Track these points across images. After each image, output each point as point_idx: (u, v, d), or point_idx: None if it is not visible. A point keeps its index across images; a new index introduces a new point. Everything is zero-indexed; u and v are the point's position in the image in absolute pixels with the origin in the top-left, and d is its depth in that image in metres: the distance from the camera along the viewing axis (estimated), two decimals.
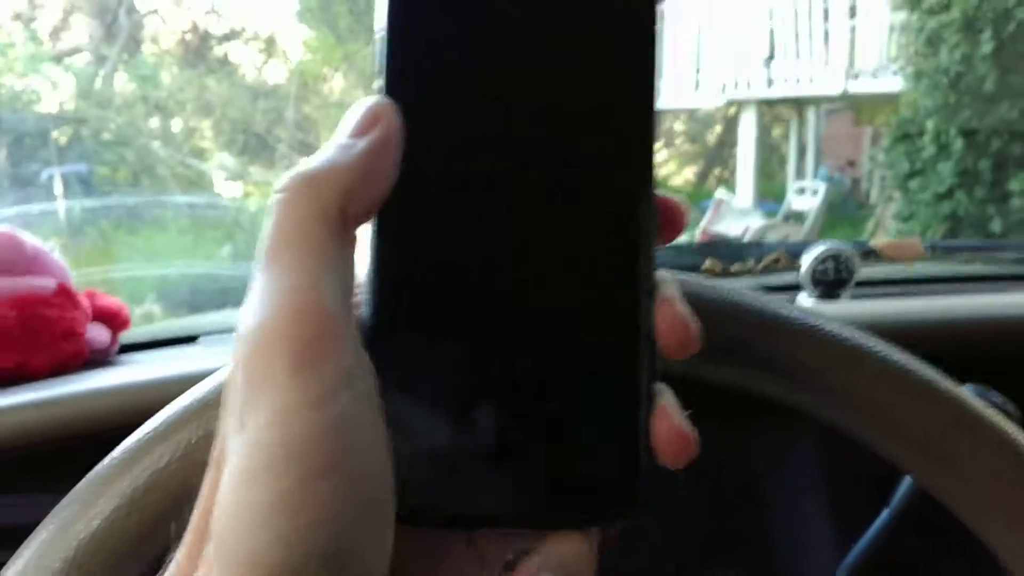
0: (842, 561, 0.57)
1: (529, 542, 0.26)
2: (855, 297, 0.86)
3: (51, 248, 0.69)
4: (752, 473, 0.70)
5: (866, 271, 0.98)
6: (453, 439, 0.24)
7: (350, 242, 0.24)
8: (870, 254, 1.02)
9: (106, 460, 0.35)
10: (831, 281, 0.81)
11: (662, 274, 0.26)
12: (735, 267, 0.98)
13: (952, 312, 0.71)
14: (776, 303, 0.38)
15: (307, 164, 0.24)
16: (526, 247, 0.25)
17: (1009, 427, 0.37)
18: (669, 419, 0.25)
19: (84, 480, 0.35)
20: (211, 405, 0.35)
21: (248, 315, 0.22)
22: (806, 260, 0.81)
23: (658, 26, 0.25)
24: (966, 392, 0.37)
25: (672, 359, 0.26)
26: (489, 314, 0.25)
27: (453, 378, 0.25)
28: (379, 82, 0.25)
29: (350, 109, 0.25)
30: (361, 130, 0.24)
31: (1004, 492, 0.36)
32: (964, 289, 0.93)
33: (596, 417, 0.25)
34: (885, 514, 0.51)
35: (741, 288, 0.39)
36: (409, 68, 0.25)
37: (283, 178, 0.23)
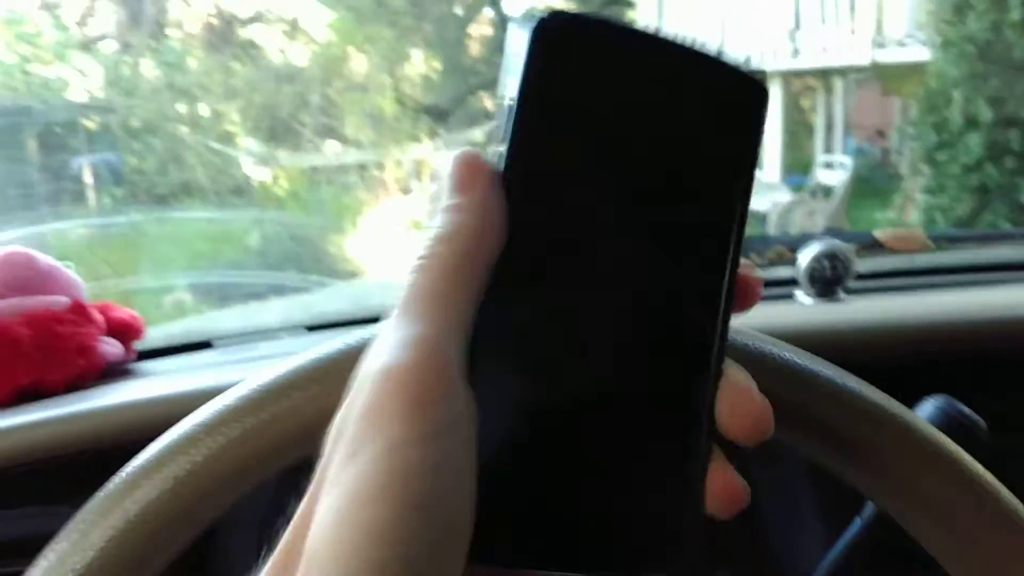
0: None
1: None
2: (856, 291, 0.86)
3: (66, 265, 0.72)
4: (746, 471, 0.72)
5: (869, 263, 0.98)
6: (530, 487, 0.26)
7: (476, 293, 0.26)
8: (874, 245, 1.02)
9: (100, 492, 0.38)
10: (828, 279, 0.81)
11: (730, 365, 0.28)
12: None
13: (945, 312, 0.72)
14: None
15: (439, 229, 0.26)
16: (615, 311, 0.27)
17: (960, 453, 0.38)
18: (724, 475, 0.28)
19: (81, 511, 0.37)
20: (195, 440, 0.37)
21: (375, 358, 0.24)
22: (803, 258, 0.82)
23: (759, 132, 0.28)
24: (919, 417, 0.39)
25: (740, 443, 0.28)
26: (570, 377, 0.27)
27: (532, 430, 0.27)
28: (501, 147, 0.27)
29: (448, 163, 0.27)
30: (466, 186, 0.26)
31: (957, 518, 0.37)
32: (966, 281, 0.93)
33: (660, 477, 0.27)
34: (857, 523, 0.52)
35: None
36: (533, 140, 0.27)
37: (422, 244, 0.26)
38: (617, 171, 0.27)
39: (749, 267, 0.29)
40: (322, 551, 0.22)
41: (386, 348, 0.24)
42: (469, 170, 0.27)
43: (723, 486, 0.27)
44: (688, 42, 0.27)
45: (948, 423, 0.50)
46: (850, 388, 0.38)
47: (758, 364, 0.39)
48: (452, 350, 0.24)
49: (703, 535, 0.27)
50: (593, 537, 0.27)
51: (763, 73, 0.28)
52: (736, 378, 0.28)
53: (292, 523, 0.25)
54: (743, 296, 0.29)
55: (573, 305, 0.27)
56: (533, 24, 0.26)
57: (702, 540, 0.27)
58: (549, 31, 0.26)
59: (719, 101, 0.28)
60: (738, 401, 0.28)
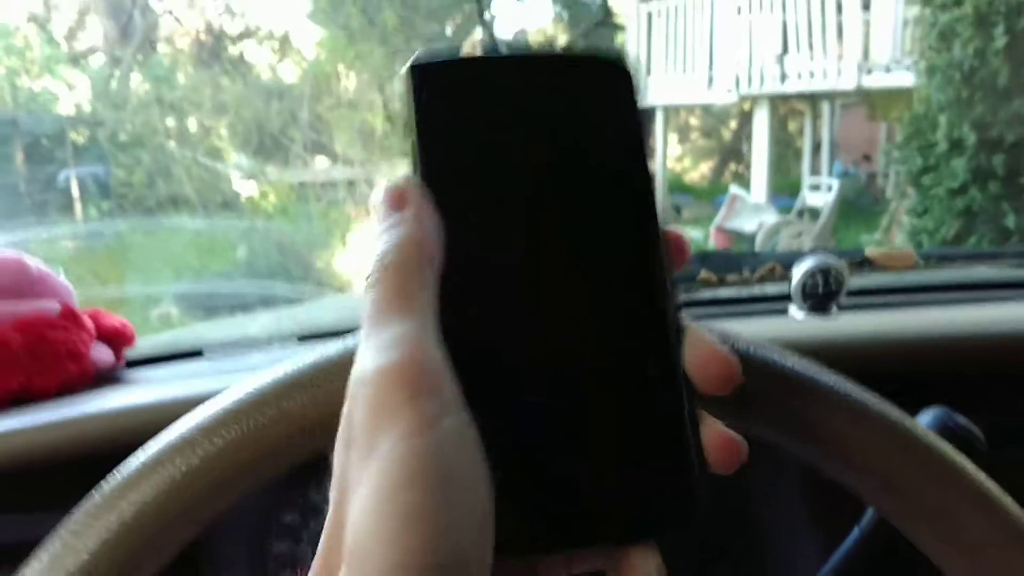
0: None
1: (593, 562, 0.29)
2: (847, 308, 0.87)
3: (57, 270, 0.71)
4: (744, 483, 0.72)
5: (860, 280, 0.99)
6: (527, 473, 0.28)
7: (433, 292, 0.28)
8: (864, 263, 1.03)
9: (95, 493, 0.37)
10: (820, 294, 0.82)
11: (690, 322, 0.30)
12: (730, 277, 0.99)
13: (937, 327, 0.72)
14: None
15: (384, 245, 0.28)
16: (557, 296, 0.29)
17: (964, 461, 0.38)
18: (718, 431, 0.29)
19: (74, 512, 0.37)
20: (192, 443, 0.37)
21: (366, 363, 0.26)
22: (796, 273, 0.82)
23: (642, 108, 0.31)
24: (920, 425, 0.38)
25: (713, 394, 0.29)
26: (534, 358, 0.28)
27: (518, 418, 0.28)
28: (416, 175, 0.30)
29: (380, 190, 0.30)
30: (399, 204, 0.29)
31: (961, 526, 0.37)
32: (956, 299, 0.93)
33: (652, 438, 0.29)
34: (856, 533, 0.52)
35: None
36: (438, 164, 0.30)
37: (370, 270, 0.28)
38: (523, 165, 0.30)
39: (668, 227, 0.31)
40: (364, 542, 0.23)
41: (371, 353, 0.26)
42: (398, 192, 0.29)
43: (719, 441, 0.29)
44: (542, 50, 0.32)
45: (946, 434, 0.50)
46: (852, 395, 0.38)
47: (759, 370, 0.39)
48: (430, 344, 0.26)
49: (706, 489, 0.29)
50: (604, 508, 0.28)
51: (619, 50, 0.32)
52: (696, 332, 0.30)
53: (325, 533, 0.26)
54: (675, 252, 0.31)
55: (524, 294, 0.29)
56: (408, 67, 0.30)
57: (707, 495, 0.29)
58: (425, 70, 0.30)
59: (589, 84, 0.31)
60: (702, 353, 0.29)
